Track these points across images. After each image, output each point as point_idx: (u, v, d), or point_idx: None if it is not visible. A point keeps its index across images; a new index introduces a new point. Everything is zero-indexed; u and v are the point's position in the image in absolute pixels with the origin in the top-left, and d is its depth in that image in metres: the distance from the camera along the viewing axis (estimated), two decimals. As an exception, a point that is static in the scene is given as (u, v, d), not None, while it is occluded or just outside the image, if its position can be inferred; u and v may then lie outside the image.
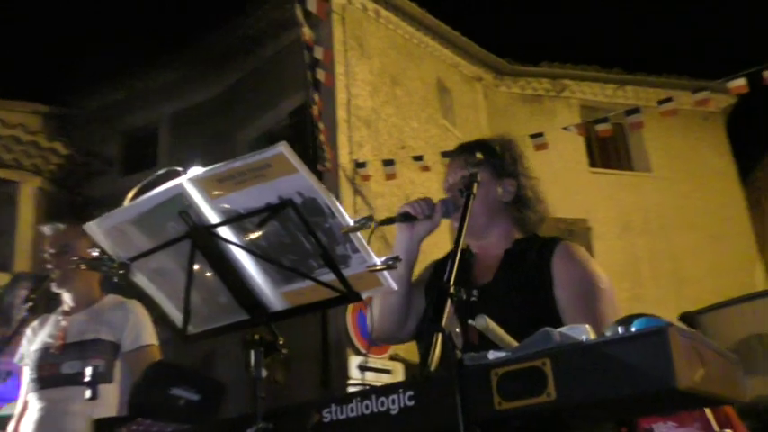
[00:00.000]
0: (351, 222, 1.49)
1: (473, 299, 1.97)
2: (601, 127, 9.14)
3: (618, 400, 1.22)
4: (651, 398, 1.21)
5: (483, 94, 14.04)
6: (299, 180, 1.48)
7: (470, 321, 1.87)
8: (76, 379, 2.87)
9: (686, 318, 5.45)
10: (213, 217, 1.60)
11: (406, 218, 2.05)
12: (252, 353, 1.69)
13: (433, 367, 1.27)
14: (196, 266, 1.68)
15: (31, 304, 2.84)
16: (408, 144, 10.49)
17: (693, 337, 1.23)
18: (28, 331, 3.19)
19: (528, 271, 2.00)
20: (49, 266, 3.01)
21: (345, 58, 9.90)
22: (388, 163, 8.74)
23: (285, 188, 1.50)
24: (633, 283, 12.52)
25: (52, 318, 3.15)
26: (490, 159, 2.13)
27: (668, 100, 9.02)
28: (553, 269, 1.97)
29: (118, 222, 1.69)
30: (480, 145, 2.20)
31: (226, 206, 1.59)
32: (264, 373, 1.69)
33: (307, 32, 7.03)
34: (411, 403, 1.44)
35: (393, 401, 1.46)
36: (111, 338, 2.98)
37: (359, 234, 1.51)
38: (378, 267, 1.53)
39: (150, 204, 1.63)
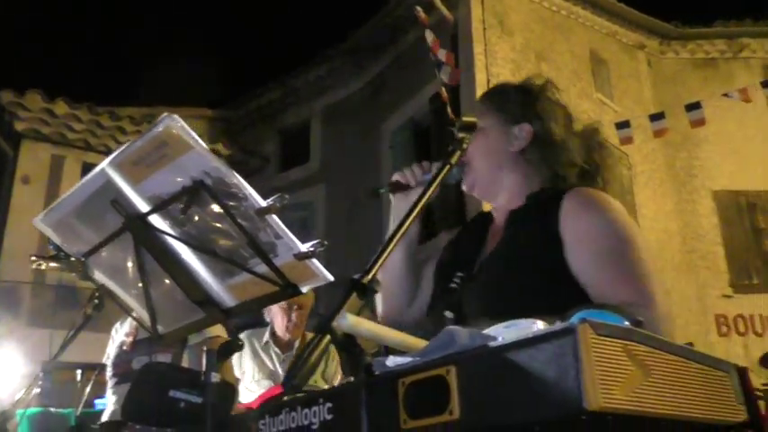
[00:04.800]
0: (262, 203, 1.27)
1: (453, 285, 1.64)
2: (778, 87, 7.98)
3: (531, 426, 0.91)
4: (568, 422, 0.88)
5: (646, 63, 13.03)
6: (198, 158, 1.28)
7: (446, 314, 1.58)
8: None
9: None
10: (143, 205, 1.45)
11: (395, 188, 1.75)
12: (204, 356, 1.53)
13: (298, 380, 1.01)
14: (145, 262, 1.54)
15: (96, 302, 2.86)
16: (557, 121, 9.88)
17: (632, 336, 0.88)
18: (112, 332, 3.27)
19: (531, 232, 1.56)
20: None
21: (484, 36, 9.50)
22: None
23: (193, 168, 1.31)
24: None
25: (129, 317, 3.19)
26: (501, 105, 1.75)
27: None
28: (561, 224, 1.50)
29: (61, 216, 1.57)
30: (490, 93, 1.85)
31: (150, 192, 1.42)
32: (216, 377, 1.52)
33: (421, 13, 6.78)
34: (330, 417, 1.20)
35: (315, 414, 1.23)
36: None
37: (275, 217, 1.29)
38: (302, 254, 1.30)
39: (84, 194, 1.49)
